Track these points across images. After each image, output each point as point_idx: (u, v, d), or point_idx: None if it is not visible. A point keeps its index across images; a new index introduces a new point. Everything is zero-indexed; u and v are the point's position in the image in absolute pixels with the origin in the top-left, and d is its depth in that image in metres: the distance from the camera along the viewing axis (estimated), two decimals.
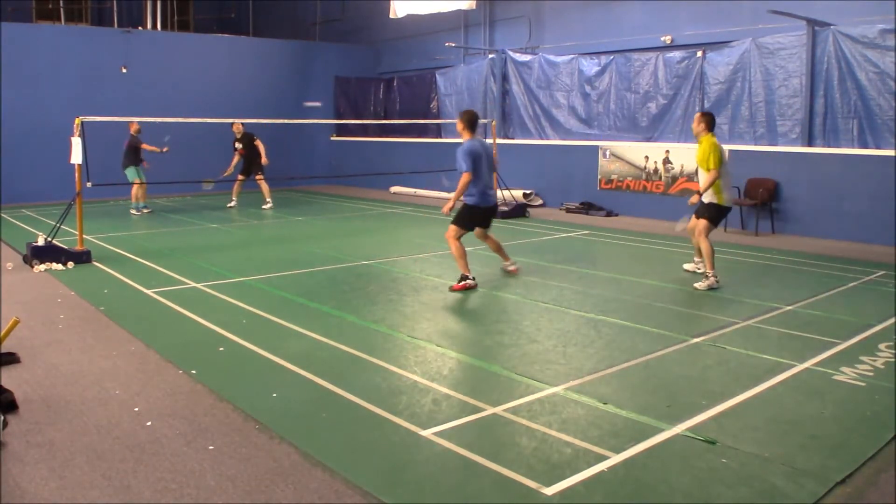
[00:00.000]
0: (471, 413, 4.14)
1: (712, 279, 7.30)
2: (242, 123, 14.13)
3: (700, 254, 7.90)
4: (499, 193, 13.39)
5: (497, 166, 7.09)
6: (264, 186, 14.54)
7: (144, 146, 13.42)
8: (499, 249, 7.97)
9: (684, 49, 13.13)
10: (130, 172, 13.42)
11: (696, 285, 7.34)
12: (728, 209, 7.62)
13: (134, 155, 13.40)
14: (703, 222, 7.49)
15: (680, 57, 12.94)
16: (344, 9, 20.90)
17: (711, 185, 7.33)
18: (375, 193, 17.84)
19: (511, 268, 8.01)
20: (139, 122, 13.23)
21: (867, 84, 10.63)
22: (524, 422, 4.02)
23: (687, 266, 8.26)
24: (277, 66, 19.50)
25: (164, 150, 13.48)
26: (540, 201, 14.96)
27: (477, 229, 7.69)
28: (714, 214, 7.52)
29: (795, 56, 11.34)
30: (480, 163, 7.33)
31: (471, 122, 7.44)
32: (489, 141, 13.78)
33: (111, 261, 8.74)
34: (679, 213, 12.61)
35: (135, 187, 13.61)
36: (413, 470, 3.51)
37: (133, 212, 13.77)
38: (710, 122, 7.59)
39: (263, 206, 14.34)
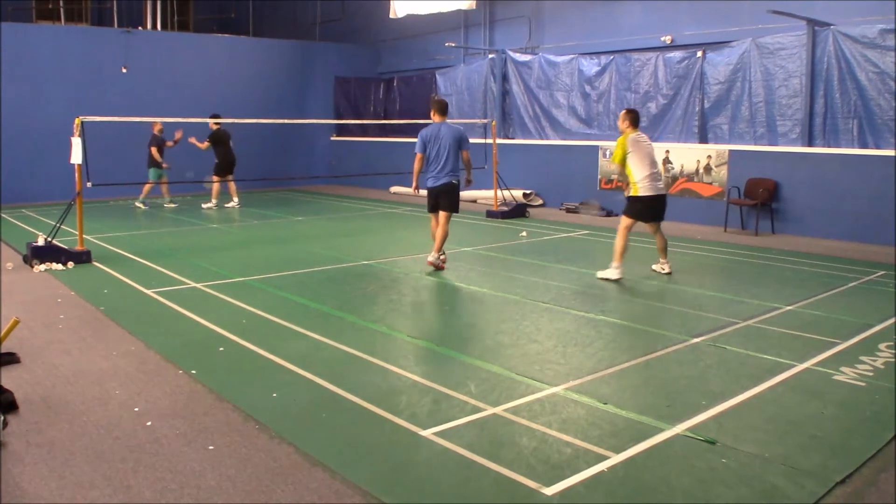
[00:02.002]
0: (471, 413, 4.14)
1: (613, 270, 7.51)
2: (218, 123, 13.83)
3: (665, 253, 8.01)
4: (499, 193, 13.53)
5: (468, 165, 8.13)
6: (232, 186, 14.53)
7: (168, 144, 13.98)
8: (439, 237, 8.20)
9: (684, 49, 13.13)
10: (153, 172, 13.90)
11: (598, 274, 7.66)
12: (648, 198, 7.53)
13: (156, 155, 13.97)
14: (623, 218, 7.63)
15: (680, 57, 12.94)
16: (344, 9, 20.90)
17: (627, 175, 7.51)
18: (375, 193, 17.84)
19: (430, 259, 8.19)
20: (162, 122, 13.73)
21: (867, 84, 10.63)
22: (524, 422, 4.02)
23: (654, 266, 8.17)
24: (277, 66, 19.49)
25: (176, 139, 13.92)
26: (540, 201, 14.96)
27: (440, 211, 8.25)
28: (630, 207, 7.54)
29: (795, 56, 11.34)
30: (431, 146, 8.07)
31: (438, 108, 8.24)
32: (489, 141, 13.82)
33: (111, 261, 8.74)
34: (679, 213, 12.70)
35: (149, 186, 14.16)
36: (413, 470, 3.51)
37: (140, 205, 14.36)
38: (633, 119, 7.67)
39: (226, 205, 14.35)
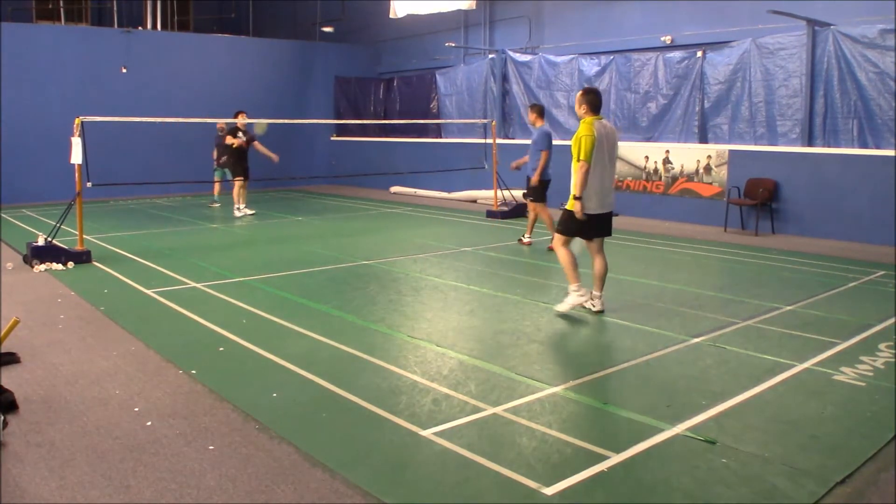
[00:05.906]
0: (471, 413, 4.14)
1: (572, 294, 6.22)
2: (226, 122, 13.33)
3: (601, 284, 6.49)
4: (499, 193, 13.54)
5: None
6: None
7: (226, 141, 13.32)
8: (537, 221, 10.13)
9: (684, 49, 13.13)
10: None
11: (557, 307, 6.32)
12: (585, 220, 6.11)
13: (225, 154, 13.45)
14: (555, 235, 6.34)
15: (680, 57, 12.94)
16: (344, 9, 20.89)
17: (582, 180, 6.01)
18: (375, 193, 17.84)
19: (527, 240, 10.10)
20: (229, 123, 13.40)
21: (867, 84, 10.63)
22: (524, 422, 4.02)
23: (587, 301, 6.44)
24: (277, 66, 19.50)
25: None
26: None
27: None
28: (565, 220, 6.24)
29: (795, 56, 11.34)
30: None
31: (539, 111, 10.09)
32: (489, 141, 13.82)
33: (111, 261, 8.74)
34: (679, 213, 12.70)
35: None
36: (413, 470, 3.51)
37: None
38: (591, 101, 6.06)
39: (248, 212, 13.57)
